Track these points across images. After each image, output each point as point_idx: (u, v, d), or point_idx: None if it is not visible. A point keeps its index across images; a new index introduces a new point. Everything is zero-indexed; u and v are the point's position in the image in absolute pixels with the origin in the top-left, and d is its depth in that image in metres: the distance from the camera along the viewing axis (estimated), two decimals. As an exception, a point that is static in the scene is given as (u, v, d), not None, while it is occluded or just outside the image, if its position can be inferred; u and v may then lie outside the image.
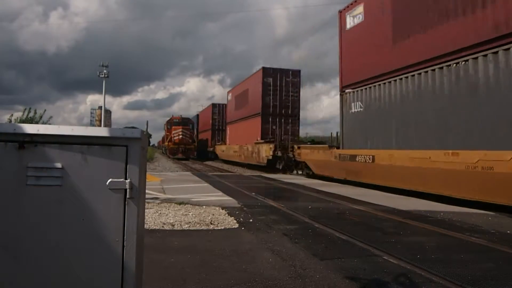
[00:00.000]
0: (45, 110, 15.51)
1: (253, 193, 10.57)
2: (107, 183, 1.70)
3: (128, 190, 1.71)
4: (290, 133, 25.71)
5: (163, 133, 57.83)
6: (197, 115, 54.76)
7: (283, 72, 26.50)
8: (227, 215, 6.95)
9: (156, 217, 6.48)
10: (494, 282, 3.67)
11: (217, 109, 43.89)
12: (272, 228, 6.02)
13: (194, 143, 44.66)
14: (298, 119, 27.00)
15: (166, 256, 4.28)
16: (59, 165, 1.66)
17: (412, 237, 5.64)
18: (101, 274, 1.68)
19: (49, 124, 10.56)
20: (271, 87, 25.97)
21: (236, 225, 6.15)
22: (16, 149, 1.64)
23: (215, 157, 40.51)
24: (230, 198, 9.43)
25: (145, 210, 3.35)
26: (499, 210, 8.21)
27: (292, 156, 20.24)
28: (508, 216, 7.76)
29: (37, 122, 13.94)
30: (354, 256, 4.52)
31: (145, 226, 3.38)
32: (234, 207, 7.93)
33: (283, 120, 26.35)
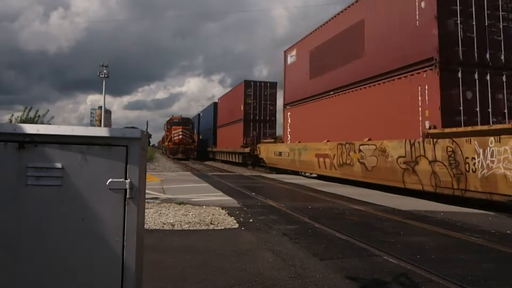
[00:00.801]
0: (47, 111, 15.35)
1: (253, 193, 10.56)
2: (107, 183, 1.70)
3: (128, 190, 1.71)
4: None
5: (163, 133, 57.76)
6: (214, 104, 42.44)
7: None
8: (227, 215, 6.94)
9: (156, 217, 6.48)
10: (494, 282, 3.66)
11: (252, 89, 29.50)
12: (272, 228, 6.02)
13: (194, 143, 44.66)
14: None
15: (166, 256, 4.28)
16: (59, 165, 1.66)
17: (412, 237, 5.64)
18: (101, 274, 1.68)
19: (49, 124, 10.52)
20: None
21: (236, 225, 6.15)
22: (16, 149, 1.64)
23: (253, 162, 27.10)
24: (230, 198, 9.42)
25: (145, 210, 3.34)
26: (498, 210, 8.21)
27: None
28: (508, 216, 7.76)
29: (36, 122, 13.85)
30: (354, 256, 4.52)
31: (145, 226, 3.38)
32: (234, 207, 7.93)
33: (488, 76, 10.11)
